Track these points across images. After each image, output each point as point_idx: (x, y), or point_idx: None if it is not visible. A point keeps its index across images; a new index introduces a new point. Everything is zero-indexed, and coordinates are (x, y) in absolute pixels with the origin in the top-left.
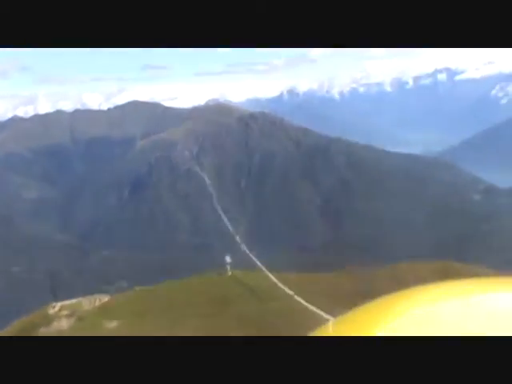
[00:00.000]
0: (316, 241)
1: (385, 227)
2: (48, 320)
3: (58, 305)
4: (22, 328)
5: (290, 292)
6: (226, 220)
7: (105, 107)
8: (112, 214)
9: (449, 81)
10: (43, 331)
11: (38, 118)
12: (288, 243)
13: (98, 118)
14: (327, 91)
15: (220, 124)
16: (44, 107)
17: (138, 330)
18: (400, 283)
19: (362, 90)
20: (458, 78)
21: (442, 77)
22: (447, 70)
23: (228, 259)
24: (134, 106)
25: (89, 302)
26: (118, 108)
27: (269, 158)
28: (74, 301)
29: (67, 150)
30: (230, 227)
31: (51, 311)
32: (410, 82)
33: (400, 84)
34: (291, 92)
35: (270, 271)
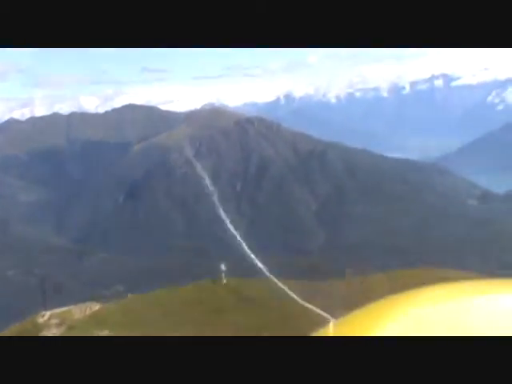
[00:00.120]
0: (312, 245)
1: (381, 232)
2: (37, 329)
3: (48, 313)
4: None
5: (301, 300)
6: (223, 214)
7: (101, 110)
8: (108, 217)
9: (445, 86)
10: None
11: (35, 121)
12: (283, 247)
13: (94, 121)
14: (324, 96)
15: (216, 128)
16: (40, 110)
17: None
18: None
19: (358, 94)
20: (454, 83)
21: (438, 82)
22: (444, 75)
23: (223, 267)
24: (131, 110)
25: (79, 311)
26: (114, 111)
27: (265, 163)
28: (64, 309)
29: (63, 153)
30: (230, 226)
31: (40, 320)
32: (407, 88)
33: (397, 89)
34: (288, 96)
35: (267, 277)
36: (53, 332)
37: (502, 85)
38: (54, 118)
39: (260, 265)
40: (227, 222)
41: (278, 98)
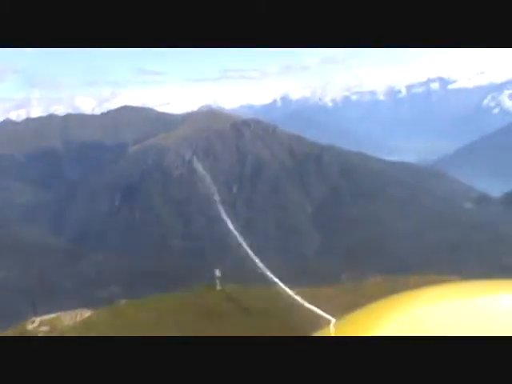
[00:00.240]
0: (307, 248)
1: (377, 235)
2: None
3: (38, 320)
4: None
5: (306, 303)
6: (223, 211)
7: (98, 112)
8: (104, 218)
9: (441, 90)
10: None
11: (31, 122)
12: (279, 250)
13: (90, 122)
14: (320, 99)
15: (213, 130)
16: (36, 111)
17: None
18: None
19: (354, 97)
20: (450, 87)
21: (434, 86)
22: (440, 79)
23: (217, 273)
24: (127, 111)
25: (69, 317)
26: (110, 113)
27: (261, 165)
28: (54, 315)
29: (59, 155)
30: (230, 225)
31: (30, 327)
32: (403, 91)
33: (393, 92)
34: (284, 99)
35: (264, 281)
36: None
37: (498, 88)
38: (50, 119)
39: (264, 269)
40: (228, 222)
41: (275, 101)
